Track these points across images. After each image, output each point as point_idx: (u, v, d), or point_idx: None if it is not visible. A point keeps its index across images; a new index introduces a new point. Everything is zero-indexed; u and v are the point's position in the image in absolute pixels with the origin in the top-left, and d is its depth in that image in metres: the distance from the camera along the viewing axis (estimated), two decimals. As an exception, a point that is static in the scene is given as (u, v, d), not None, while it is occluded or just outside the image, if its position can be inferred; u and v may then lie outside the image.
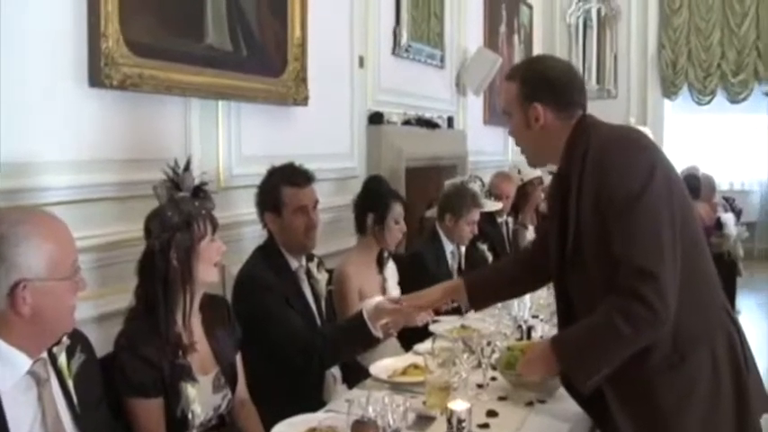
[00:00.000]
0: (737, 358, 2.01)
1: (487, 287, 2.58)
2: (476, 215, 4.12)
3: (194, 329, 2.26)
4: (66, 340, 1.81)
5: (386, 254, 3.54)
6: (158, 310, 2.15)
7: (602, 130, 2.03)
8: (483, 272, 2.92)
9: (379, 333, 2.56)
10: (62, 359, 1.80)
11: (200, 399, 2.19)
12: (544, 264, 2.28)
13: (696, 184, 6.98)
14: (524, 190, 5.51)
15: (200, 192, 2.26)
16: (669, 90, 10.15)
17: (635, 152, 1.93)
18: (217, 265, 2.27)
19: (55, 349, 1.79)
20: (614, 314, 1.84)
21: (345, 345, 2.66)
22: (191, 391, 2.17)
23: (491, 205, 4.93)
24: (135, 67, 2.83)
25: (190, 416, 2.17)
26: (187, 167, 2.26)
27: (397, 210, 3.45)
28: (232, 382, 2.35)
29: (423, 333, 3.06)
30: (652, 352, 1.92)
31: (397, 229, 3.45)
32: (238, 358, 2.44)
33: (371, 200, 3.50)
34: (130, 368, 2.11)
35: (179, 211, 2.16)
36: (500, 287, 2.59)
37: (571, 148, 2.05)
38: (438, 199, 4.31)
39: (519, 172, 5.57)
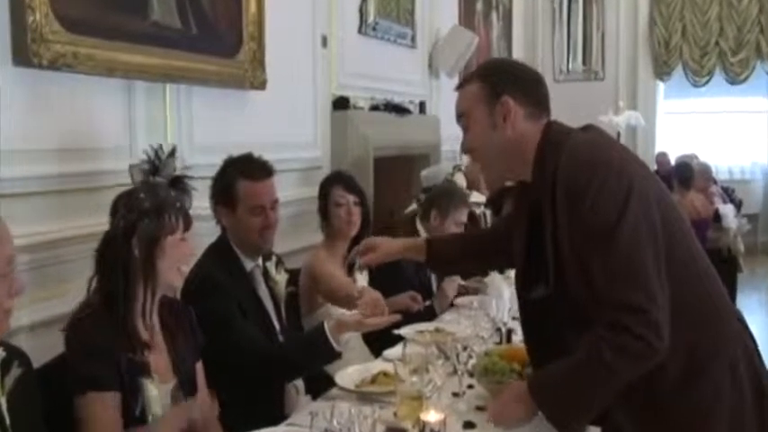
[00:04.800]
0: (757, 370, 2.00)
1: (450, 252, 2.57)
2: (464, 216, 4.15)
3: (154, 332, 2.26)
4: (0, 353, 1.78)
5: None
6: (116, 301, 2.13)
7: (570, 148, 1.94)
8: (448, 236, 2.94)
9: (341, 348, 2.57)
10: None
11: (161, 404, 2.19)
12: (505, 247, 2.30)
13: (688, 174, 7.07)
14: (506, 188, 5.52)
15: (179, 182, 2.25)
16: (661, 71, 10.24)
17: (604, 177, 1.86)
18: (181, 270, 2.27)
19: None
20: (602, 347, 1.81)
21: (304, 359, 2.67)
22: (151, 389, 2.16)
23: (476, 196, 4.96)
24: (68, 44, 2.79)
25: (150, 418, 2.16)
26: (172, 154, 2.27)
27: (339, 193, 3.52)
28: (191, 394, 2.35)
29: (393, 338, 3.07)
30: (664, 372, 1.89)
31: (341, 211, 3.49)
32: (199, 367, 2.44)
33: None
34: (82, 360, 2.08)
35: (151, 196, 2.16)
36: (463, 256, 2.58)
37: (541, 164, 1.99)
38: (418, 193, 4.34)
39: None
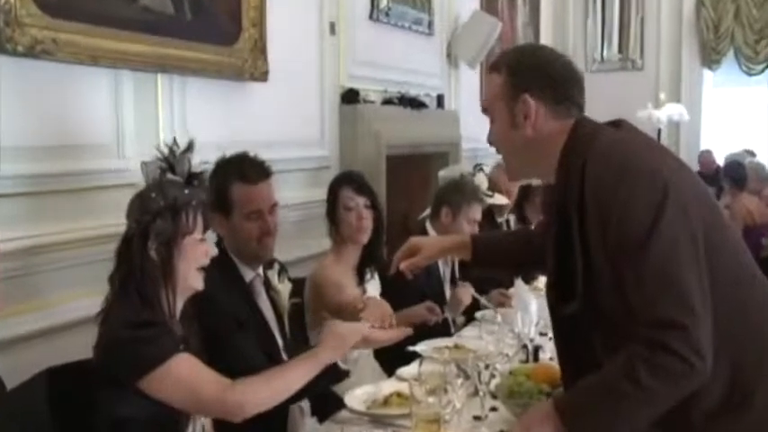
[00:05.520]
0: None
1: (495, 249, 2.62)
2: (477, 212, 4.18)
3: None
4: None
5: (370, 269, 3.58)
6: (132, 300, 2.17)
7: (598, 150, 1.95)
8: (493, 233, 2.91)
9: (347, 366, 2.56)
10: None
11: None
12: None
13: (740, 174, 7.02)
14: (528, 191, 5.53)
15: (194, 179, 2.29)
16: (710, 58, 10.09)
17: (634, 182, 1.86)
18: (202, 269, 2.30)
19: None
20: (637, 365, 1.80)
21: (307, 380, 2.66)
22: None
23: (498, 198, 4.96)
24: (47, 29, 2.80)
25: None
26: (188, 149, 2.30)
27: (348, 195, 3.53)
28: None
29: (407, 355, 3.06)
30: (704, 395, 1.87)
31: (351, 215, 3.51)
32: None
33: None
34: (151, 335, 2.11)
35: (164, 196, 2.20)
36: (508, 253, 2.63)
37: (566, 168, 2.00)
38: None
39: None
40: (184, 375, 2.12)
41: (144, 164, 2.29)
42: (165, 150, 2.28)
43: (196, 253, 2.26)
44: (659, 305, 1.80)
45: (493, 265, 2.73)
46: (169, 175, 2.26)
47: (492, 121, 2.14)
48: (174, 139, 2.32)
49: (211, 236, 2.86)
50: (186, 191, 2.24)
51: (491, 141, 2.18)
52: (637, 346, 1.81)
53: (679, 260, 1.81)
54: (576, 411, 1.92)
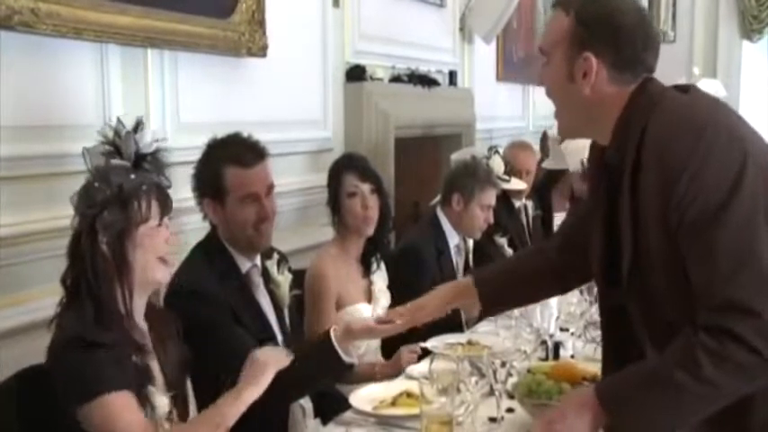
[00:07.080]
0: None
1: (504, 287, 2.54)
2: (491, 198, 4.22)
3: (143, 336, 2.28)
4: None
5: (376, 258, 3.59)
6: (85, 305, 2.15)
7: (666, 108, 1.89)
8: (496, 267, 2.85)
9: (351, 359, 2.57)
10: None
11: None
12: (575, 260, 2.28)
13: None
14: (555, 176, 5.53)
15: (145, 161, 2.27)
16: (750, 28, 9.97)
17: (711, 140, 1.77)
18: (164, 259, 2.29)
19: None
20: (698, 354, 1.73)
21: (308, 375, 2.66)
22: (160, 400, 2.21)
23: (516, 183, 4.97)
24: (26, -2, 2.78)
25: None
26: (136, 129, 2.28)
27: (352, 181, 3.54)
28: (182, 415, 2.38)
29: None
30: (763, 400, 1.83)
31: (355, 203, 3.53)
32: (189, 385, 2.47)
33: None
34: (93, 361, 2.09)
35: (108, 184, 2.18)
36: (520, 287, 2.55)
37: (624, 128, 1.94)
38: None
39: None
40: (111, 416, 2.09)
41: (86, 149, 2.27)
42: (110, 133, 2.25)
43: (154, 242, 2.24)
44: (732, 284, 1.73)
45: (505, 304, 2.68)
46: (114, 161, 2.24)
47: (545, 64, 2.06)
48: (119, 119, 2.29)
49: (194, 220, 2.87)
50: (132, 176, 2.21)
51: (542, 84, 2.11)
52: (698, 332, 1.75)
53: (758, 234, 1.74)
54: (621, 401, 1.87)
